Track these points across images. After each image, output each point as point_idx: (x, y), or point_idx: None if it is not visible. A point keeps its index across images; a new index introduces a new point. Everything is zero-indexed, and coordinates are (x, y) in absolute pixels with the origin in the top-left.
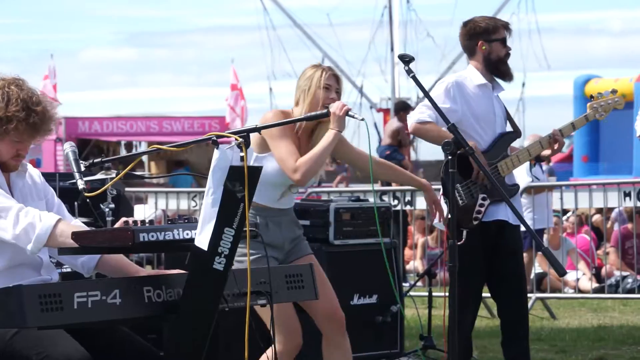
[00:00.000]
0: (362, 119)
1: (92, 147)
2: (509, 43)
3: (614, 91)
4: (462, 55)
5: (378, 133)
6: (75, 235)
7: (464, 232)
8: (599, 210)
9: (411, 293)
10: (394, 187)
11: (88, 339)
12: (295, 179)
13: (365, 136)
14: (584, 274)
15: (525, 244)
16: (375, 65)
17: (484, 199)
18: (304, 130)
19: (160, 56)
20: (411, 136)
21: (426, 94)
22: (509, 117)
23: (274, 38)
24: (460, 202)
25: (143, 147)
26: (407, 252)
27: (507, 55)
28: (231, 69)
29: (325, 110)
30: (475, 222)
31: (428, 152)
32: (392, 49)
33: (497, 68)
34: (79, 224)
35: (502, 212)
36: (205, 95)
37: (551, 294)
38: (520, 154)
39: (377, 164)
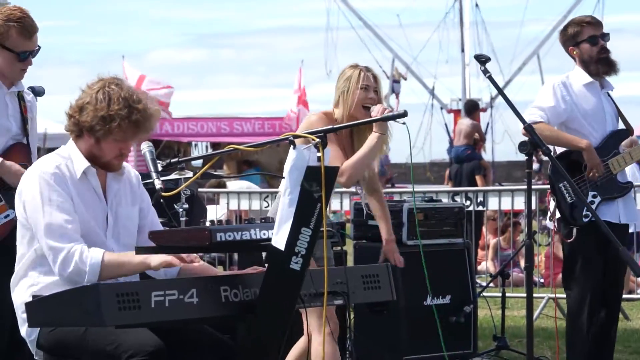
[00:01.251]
0: (404, 123)
1: (163, 148)
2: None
3: None
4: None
5: (448, 134)
6: (153, 235)
7: (574, 230)
8: None
9: (484, 294)
10: (466, 187)
11: (167, 335)
12: (340, 182)
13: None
14: None
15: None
16: (445, 66)
17: (594, 196)
18: (345, 131)
19: (227, 57)
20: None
21: (501, 92)
22: (620, 115)
23: (343, 39)
24: (568, 199)
25: (213, 149)
26: (479, 252)
27: (601, 50)
28: (299, 72)
29: (402, 111)
30: (585, 220)
31: (502, 154)
32: (462, 50)
33: (593, 68)
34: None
35: (613, 212)
36: (272, 96)
37: (625, 294)
38: (633, 151)
39: (373, 196)
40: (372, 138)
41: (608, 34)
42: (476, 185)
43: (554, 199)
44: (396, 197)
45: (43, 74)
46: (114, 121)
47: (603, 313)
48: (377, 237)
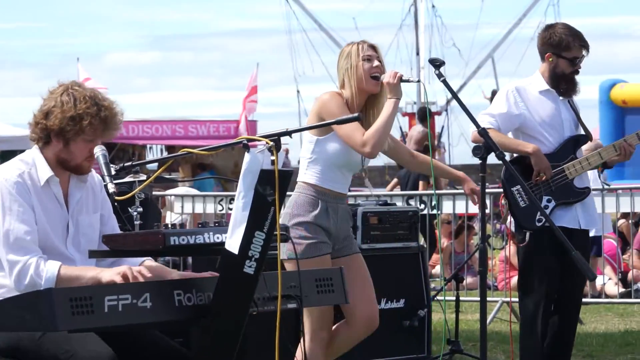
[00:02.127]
0: (418, 81)
1: (117, 151)
2: (583, 62)
3: None
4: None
5: (403, 137)
6: (107, 239)
7: (527, 234)
8: (625, 215)
9: (438, 297)
10: (420, 191)
11: (117, 340)
12: (365, 152)
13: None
14: (610, 278)
15: (593, 250)
16: (400, 69)
17: (548, 200)
18: (358, 107)
19: (184, 59)
20: (436, 141)
21: (456, 97)
22: (580, 121)
23: (299, 42)
24: (522, 203)
25: (168, 152)
26: (434, 256)
27: (574, 72)
28: (253, 74)
29: (356, 114)
30: (539, 224)
31: (459, 157)
32: (417, 53)
33: (558, 83)
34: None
35: (571, 218)
36: (229, 99)
37: None
38: (590, 157)
39: (417, 158)
40: (389, 104)
41: (584, 57)
42: None
43: (505, 203)
44: (351, 201)
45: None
46: (84, 119)
47: (557, 318)
48: None
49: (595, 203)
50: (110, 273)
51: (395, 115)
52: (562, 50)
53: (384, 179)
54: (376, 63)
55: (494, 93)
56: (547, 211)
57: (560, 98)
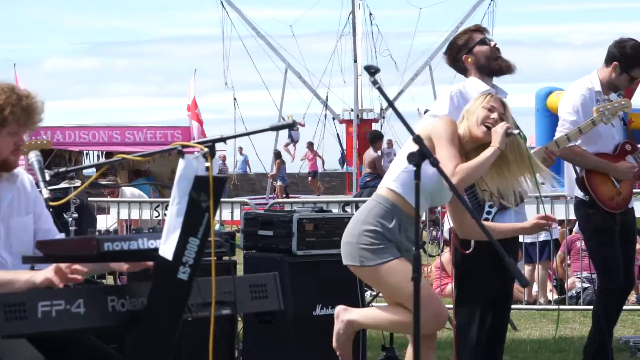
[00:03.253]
0: (519, 133)
1: (53, 157)
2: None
3: (620, 94)
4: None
5: (340, 144)
6: (40, 245)
7: (472, 242)
8: (560, 222)
9: (374, 304)
10: (357, 198)
11: (52, 347)
12: (453, 180)
13: None
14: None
15: (544, 254)
16: (338, 76)
17: (490, 206)
18: (472, 146)
19: (122, 66)
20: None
21: (391, 104)
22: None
23: (237, 48)
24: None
25: (105, 158)
26: None
27: (494, 50)
28: (191, 82)
29: (290, 122)
30: None
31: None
32: (355, 61)
33: (491, 66)
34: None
35: (504, 221)
36: (167, 106)
37: (512, 305)
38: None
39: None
40: (489, 150)
41: (493, 40)
42: None
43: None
44: (287, 207)
45: None
46: (5, 110)
47: (492, 324)
48: (267, 247)
49: (538, 210)
50: (43, 272)
51: (492, 161)
52: (469, 43)
53: (318, 186)
54: (494, 115)
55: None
56: (490, 217)
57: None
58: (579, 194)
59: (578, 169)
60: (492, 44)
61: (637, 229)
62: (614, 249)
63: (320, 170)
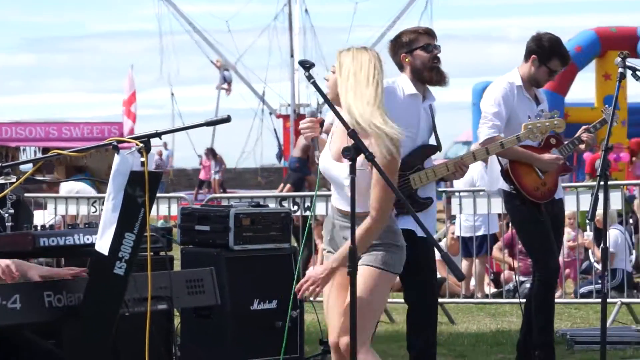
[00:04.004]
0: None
1: None
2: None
3: (555, 114)
4: None
5: (277, 139)
6: None
7: None
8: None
9: (311, 298)
10: (294, 193)
11: None
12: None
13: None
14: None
15: (483, 249)
16: (275, 71)
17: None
18: None
19: (58, 62)
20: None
21: (326, 100)
22: (434, 130)
23: (173, 44)
24: None
25: (42, 154)
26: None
27: (434, 59)
28: (128, 75)
29: (225, 116)
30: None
31: None
32: (292, 56)
33: (424, 75)
34: None
35: (412, 222)
36: (104, 101)
37: (450, 299)
38: (437, 168)
39: None
40: None
41: (440, 46)
42: None
43: None
44: (224, 202)
45: None
46: None
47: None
48: (204, 242)
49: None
50: None
51: None
52: (412, 44)
53: (257, 180)
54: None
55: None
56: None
57: (424, 104)
58: (505, 186)
59: (503, 161)
60: (434, 53)
61: (564, 220)
62: (546, 236)
63: (258, 165)
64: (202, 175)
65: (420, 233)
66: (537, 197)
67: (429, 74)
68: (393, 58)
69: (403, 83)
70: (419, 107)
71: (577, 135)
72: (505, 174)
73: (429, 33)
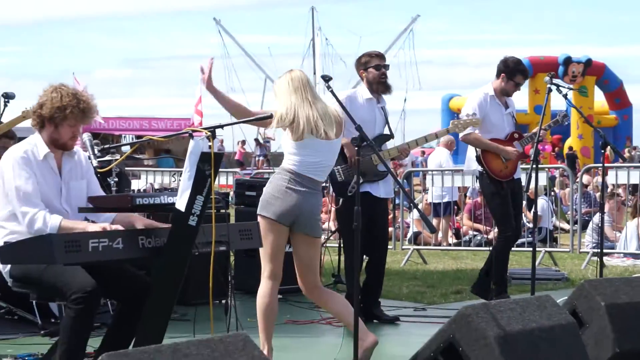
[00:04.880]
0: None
1: (100, 139)
2: (389, 69)
3: (474, 114)
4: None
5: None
6: (91, 199)
7: (340, 200)
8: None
9: (327, 245)
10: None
11: (98, 272)
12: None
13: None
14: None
15: (447, 211)
16: None
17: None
18: None
19: (148, 75)
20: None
21: (340, 104)
22: (387, 124)
23: (231, 63)
24: (339, 178)
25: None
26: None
27: (382, 75)
28: (199, 86)
29: (269, 114)
30: (349, 194)
31: None
32: (314, 73)
33: (374, 87)
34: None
35: (375, 189)
36: (179, 103)
37: (424, 246)
38: (390, 150)
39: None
40: None
41: (388, 65)
42: None
43: (329, 178)
44: (266, 175)
45: (17, 86)
46: (67, 109)
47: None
48: (251, 204)
49: (447, 180)
50: (94, 227)
51: None
52: (367, 64)
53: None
54: None
55: None
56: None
57: (378, 105)
58: (478, 168)
59: (477, 150)
60: (382, 70)
61: (522, 194)
62: (506, 205)
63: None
64: (237, 156)
65: (375, 194)
66: (501, 177)
67: (376, 85)
68: (357, 72)
69: (362, 91)
70: (374, 108)
71: (533, 131)
72: (478, 159)
73: (380, 56)
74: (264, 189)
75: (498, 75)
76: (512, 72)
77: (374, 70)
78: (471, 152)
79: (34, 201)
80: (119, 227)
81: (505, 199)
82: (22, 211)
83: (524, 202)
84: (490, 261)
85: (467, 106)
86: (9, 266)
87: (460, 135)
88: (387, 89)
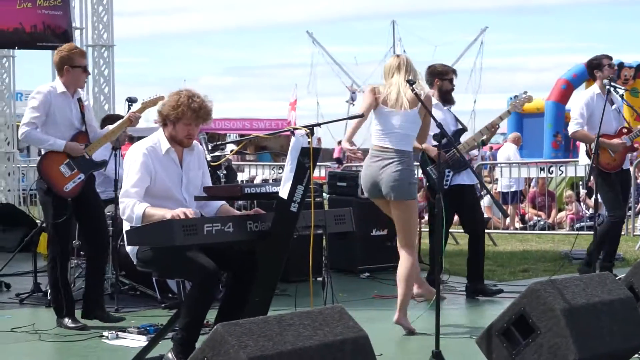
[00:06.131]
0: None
1: (209, 137)
2: (456, 82)
3: (525, 92)
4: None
5: None
6: (206, 189)
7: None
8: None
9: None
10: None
11: (213, 252)
12: None
13: None
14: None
15: (514, 199)
16: None
17: (449, 172)
18: None
19: (248, 82)
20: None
21: (421, 102)
22: (458, 121)
23: (321, 71)
24: (433, 176)
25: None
26: None
27: (452, 89)
28: (293, 90)
29: (359, 114)
30: (446, 187)
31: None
32: None
33: (445, 97)
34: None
35: (462, 178)
36: (277, 106)
37: (494, 230)
38: (466, 143)
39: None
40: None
41: (455, 77)
42: None
43: (425, 177)
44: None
45: (137, 91)
46: (180, 107)
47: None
48: (342, 193)
49: (514, 171)
50: (171, 213)
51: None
52: (444, 75)
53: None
54: None
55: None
56: (449, 177)
57: (445, 109)
58: (588, 161)
59: (587, 145)
60: (454, 85)
61: (630, 183)
62: (614, 193)
63: None
64: (335, 154)
65: (469, 182)
66: (609, 169)
67: (448, 97)
68: (427, 77)
69: (435, 97)
70: (443, 110)
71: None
72: (587, 153)
73: (455, 72)
74: None
75: (594, 77)
76: (596, 67)
77: (449, 84)
78: (582, 148)
79: (131, 195)
80: (198, 212)
81: (613, 188)
82: (120, 201)
83: (584, 191)
84: (597, 242)
85: (575, 106)
86: (136, 248)
87: (570, 132)
88: (451, 101)
